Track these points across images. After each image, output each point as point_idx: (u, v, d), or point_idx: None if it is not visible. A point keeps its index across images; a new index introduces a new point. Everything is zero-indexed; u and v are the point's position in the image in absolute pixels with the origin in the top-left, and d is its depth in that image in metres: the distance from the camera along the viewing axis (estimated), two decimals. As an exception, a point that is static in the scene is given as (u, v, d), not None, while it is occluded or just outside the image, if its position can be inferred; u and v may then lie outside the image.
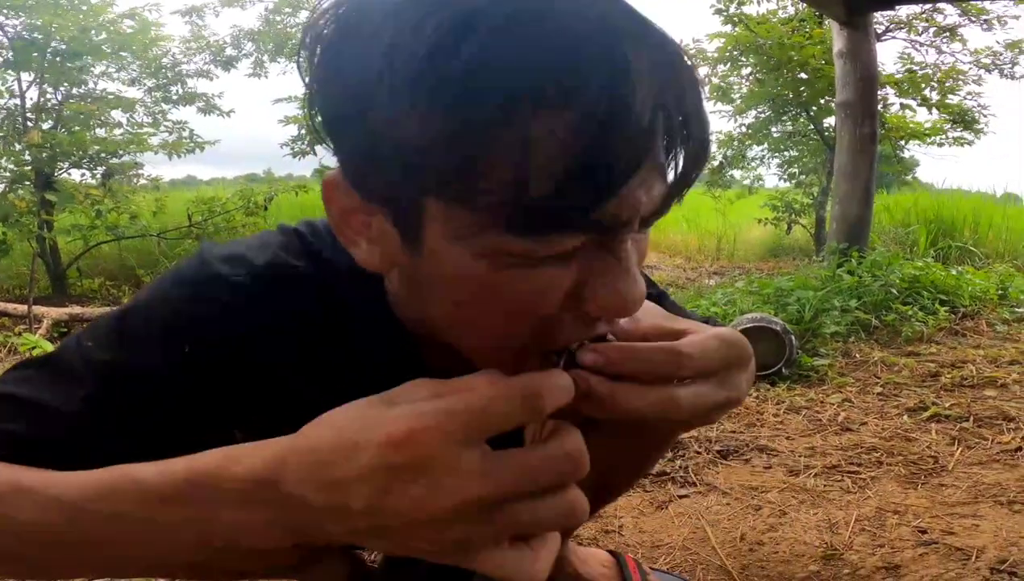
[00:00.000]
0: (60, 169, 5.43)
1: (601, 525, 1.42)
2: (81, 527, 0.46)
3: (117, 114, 5.94)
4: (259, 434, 0.45)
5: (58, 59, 5.40)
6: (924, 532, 1.34)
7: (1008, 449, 1.75)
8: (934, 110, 6.79)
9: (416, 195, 0.43)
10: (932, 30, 6.57)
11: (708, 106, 0.45)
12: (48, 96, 5.66)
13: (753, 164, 8.18)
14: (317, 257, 0.61)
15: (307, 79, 0.47)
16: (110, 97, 5.90)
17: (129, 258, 5.61)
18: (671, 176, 0.44)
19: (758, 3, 6.54)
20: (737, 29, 6.60)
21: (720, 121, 7.54)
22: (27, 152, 5.05)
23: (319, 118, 0.47)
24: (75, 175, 5.67)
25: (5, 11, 5.12)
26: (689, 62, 0.44)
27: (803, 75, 6.54)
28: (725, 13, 6.47)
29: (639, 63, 0.40)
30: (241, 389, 0.59)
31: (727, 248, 7.40)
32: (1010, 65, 6.60)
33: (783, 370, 2.38)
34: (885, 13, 6.14)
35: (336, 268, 0.59)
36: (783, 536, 1.35)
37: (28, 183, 5.17)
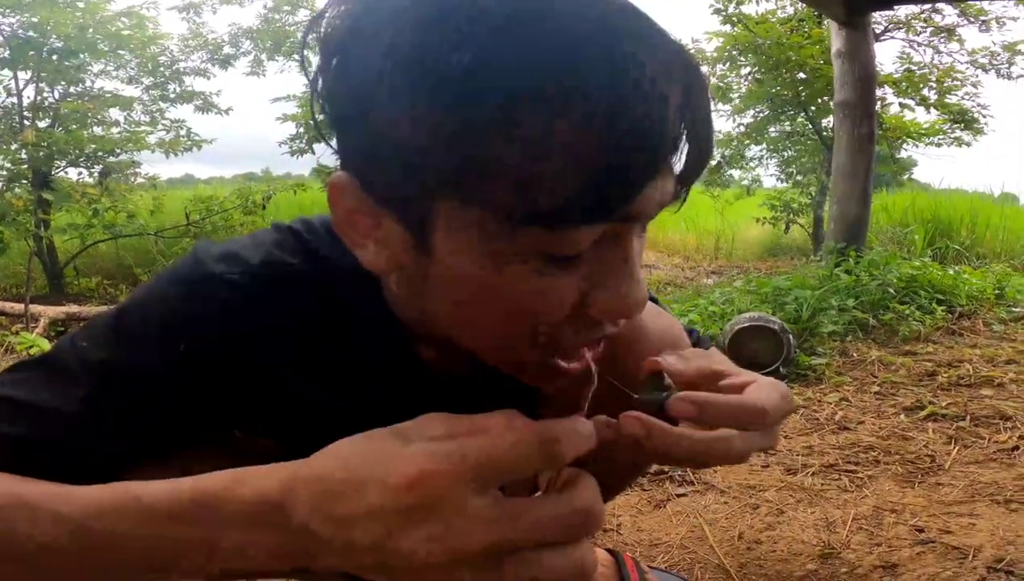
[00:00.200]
0: (57, 168, 5.42)
1: (599, 524, 1.42)
2: (83, 543, 0.45)
3: (114, 112, 5.96)
4: (258, 433, 0.45)
5: (55, 57, 5.39)
6: (921, 531, 1.34)
7: (1005, 448, 1.75)
8: (933, 110, 6.80)
9: (424, 196, 0.43)
10: (930, 30, 6.58)
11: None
12: (45, 94, 5.66)
13: (752, 164, 8.21)
14: (314, 255, 0.60)
15: (310, 78, 0.47)
16: (107, 95, 5.89)
17: (126, 257, 5.60)
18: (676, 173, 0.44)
19: (757, 3, 6.56)
20: (736, 29, 6.61)
21: (719, 121, 7.57)
22: (24, 150, 5.04)
23: (323, 117, 0.47)
24: (72, 174, 5.68)
25: (2, 9, 5.10)
26: (693, 62, 0.44)
27: (802, 75, 6.55)
28: (724, 13, 6.48)
29: (651, 63, 0.40)
30: (239, 387, 0.59)
31: (725, 247, 7.42)
32: (1007, 65, 6.62)
33: (781, 369, 2.38)
34: (884, 13, 6.15)
35: (334, 266, 0.59)
36: (781, 535, 1.35)
37: (25, 181, 5.16)
